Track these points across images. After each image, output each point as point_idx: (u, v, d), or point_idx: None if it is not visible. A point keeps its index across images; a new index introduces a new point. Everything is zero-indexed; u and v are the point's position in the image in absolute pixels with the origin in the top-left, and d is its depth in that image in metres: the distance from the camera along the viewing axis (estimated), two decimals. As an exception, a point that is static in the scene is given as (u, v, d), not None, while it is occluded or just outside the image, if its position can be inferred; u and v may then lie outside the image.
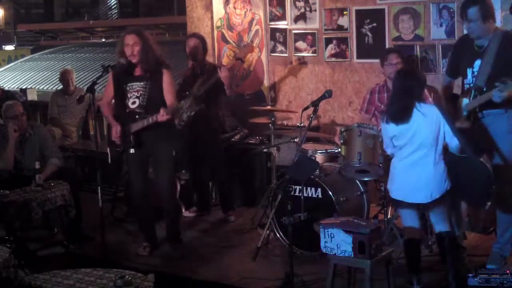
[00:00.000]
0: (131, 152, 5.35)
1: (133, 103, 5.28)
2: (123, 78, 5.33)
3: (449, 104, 4.84)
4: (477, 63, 4.60)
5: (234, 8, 7.36)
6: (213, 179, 6.65)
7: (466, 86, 4.71)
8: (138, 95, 5.27)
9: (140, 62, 5.26)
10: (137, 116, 5.25)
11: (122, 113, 5.37)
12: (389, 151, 4.49)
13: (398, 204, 4.45)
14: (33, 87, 11.40)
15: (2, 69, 15.05)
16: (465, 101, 4.68)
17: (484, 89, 4.52)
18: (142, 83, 5.28)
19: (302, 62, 6.98)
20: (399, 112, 4.27)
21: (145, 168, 5.54)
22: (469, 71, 4.67)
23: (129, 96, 5.30)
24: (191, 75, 6.35)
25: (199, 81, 6.17)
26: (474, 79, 4.62)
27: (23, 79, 13.24)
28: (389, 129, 4.35)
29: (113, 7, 22.73)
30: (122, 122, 5.35)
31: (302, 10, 6.89)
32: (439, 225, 4.43)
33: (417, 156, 4.26)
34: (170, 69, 5.37)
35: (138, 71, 5.33)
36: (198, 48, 6.27)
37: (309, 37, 6.89)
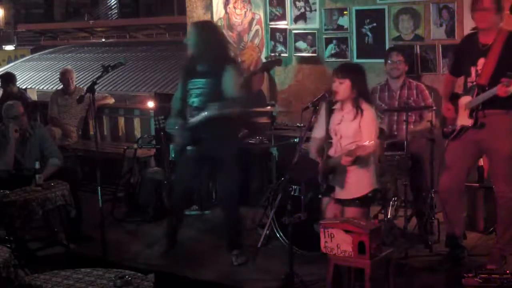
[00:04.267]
0: (188, 150, 5.12)
1: (193, 102, 5.11)
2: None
3: (450, 103, 4.84)
4: (481, 61, 4.61)
5: (234, 8, 7.36)
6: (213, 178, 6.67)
7: (469, 85, 4.71)
8: (199, 92, 5.07)
9: None
10: (194, 112, 5.04)
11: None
12: None
13: None
14: (33, 87, 11.41)
15: (2, 69, 15.04)
16: (466, 99, 4.68)
17: (487, 88, 4.53)
18: (203, 80, 5.05)
19: (302, 62, 6.98)
20: None
21: (197, 169, 5.31)
22: (473, 70, 4.67)
23: (191, 93, 5.11)
24: None
25: None
26: (477, 77, 4.63)
27: (23, 79, 13.23)
28: None
29: (113, 7, 22.70)
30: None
31: (302, 10, 6.89)
32: None
33: None
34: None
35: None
36: None
37: (309, 37, 6.89)
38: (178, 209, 5.50)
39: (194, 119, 5.02)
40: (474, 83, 4.64)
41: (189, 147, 5.14)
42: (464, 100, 4.70)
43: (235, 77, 5.04)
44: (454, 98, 4.84)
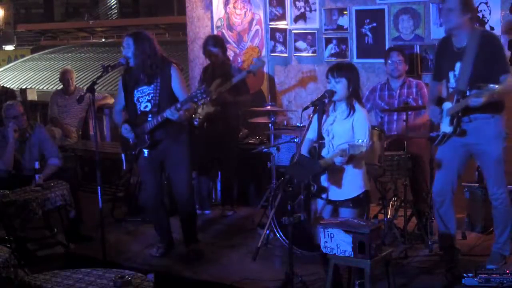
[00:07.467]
0: (145, 155, 5.24)
1: (145, 107, 5.22)
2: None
3: (436, 108, 4.79)
4: (458, 65, 4.55)
5: (234, 8, 7.36)
6: (215, 178, 6.70)
7: (450, 90, 4.66)
8: (150, 98, 5.20)
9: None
10: (149, 115, 5.16)
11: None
12: None
13: None
14: (33, 87, 11.42)
15: (2, 69, 15.07)
16: (447, 105, 4.63)
17: (467, 93, 4.48)
18: (152, 86, 5.19)
19: (302, 62, 6.98)
20: None
21: (158, 171, 5.42)
22: (451, 75, 4.62)
23: (140, 100, 5.23)
24: (211, 71, 6.40)
25: (216, 82, 6.17)
26: (456, 83, 4.59)
27: (23, 79, 13.26)
28: None
29: (113, 7, 22.73)
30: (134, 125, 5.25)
31: (302, 10, 6.89)
32: None
33: None
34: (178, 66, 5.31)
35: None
36: (218, 56, 6.35)
37: (309, 37, 6.89)
38: (156, 213, 5.52)
39: (153, 121, 5.14)
40: (454, 88, 4.62)
41: (145, 151, 5.23)
42: (446, 106, 4.67)
43: (181, 77, 5.24)
44: (439, 103, 4.77)
